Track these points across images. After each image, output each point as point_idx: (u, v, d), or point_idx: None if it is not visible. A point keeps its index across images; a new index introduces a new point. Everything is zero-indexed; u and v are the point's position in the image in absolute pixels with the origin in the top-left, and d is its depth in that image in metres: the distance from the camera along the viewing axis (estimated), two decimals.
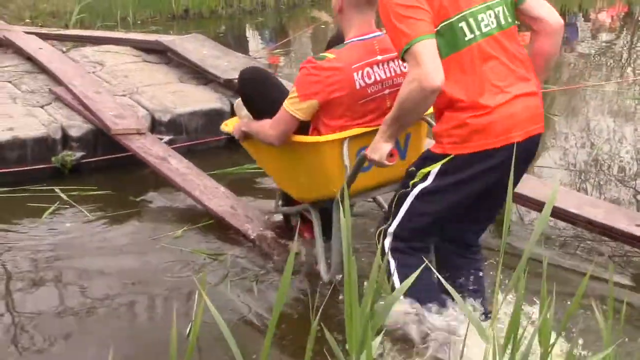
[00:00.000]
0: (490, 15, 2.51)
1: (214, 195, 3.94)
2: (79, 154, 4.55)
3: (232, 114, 5.08)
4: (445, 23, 2.44)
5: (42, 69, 5.62)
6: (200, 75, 5.63)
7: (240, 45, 8.47)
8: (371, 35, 2.86)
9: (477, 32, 2.48)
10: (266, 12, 10.22)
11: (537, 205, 3.65)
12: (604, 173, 4.83)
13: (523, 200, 3.73)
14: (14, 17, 8.31)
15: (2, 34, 6.63)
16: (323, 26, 9.88)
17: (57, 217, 3.96)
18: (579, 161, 5.01)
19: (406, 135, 3.02)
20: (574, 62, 8.30)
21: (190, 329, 2.77)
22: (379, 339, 2.04)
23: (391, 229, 2.70)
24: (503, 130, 2.49)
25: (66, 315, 3.06)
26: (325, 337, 2.01)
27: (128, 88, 5.32)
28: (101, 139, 4.63)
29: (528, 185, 3.81)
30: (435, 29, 2.42)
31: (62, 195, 4.16)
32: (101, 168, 4.61)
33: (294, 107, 2.82)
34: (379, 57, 2.84)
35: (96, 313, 3.06)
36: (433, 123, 3.00)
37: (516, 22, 2.61)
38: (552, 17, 2.60)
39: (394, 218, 2.70)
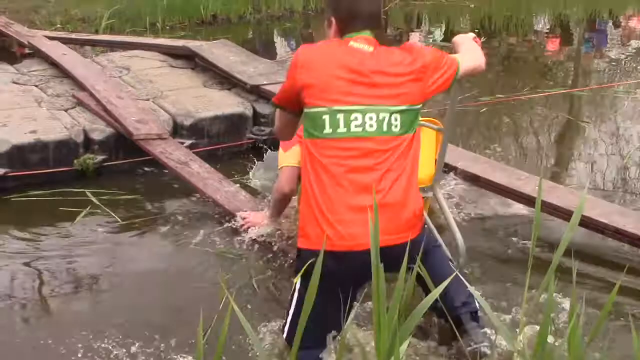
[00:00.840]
0: (370, 118, 2.45)
1: (235, 200, 3.95)
2: (100, 157, 4.55)
3: (254, 118, 5.11)
4: (311, 110, 2.48)
5: (67, 74, 5.64)
6: (224, 80, 5.61)
7: (267, 50, 8.47)
8: None
9: (343, 129, 2.44)
10: (294, 17, 10.21)
11: (565, 214, 3.58)
12: (634, 181, 4.74)
13: (551, 209, 3.67)
14: (45, 22, 8.40)
15: (26, 40, 6.69)
16: None
17: (87, 221, 3.99)
18: (608, 169, 4.92)
19: None
20: (603, 68, 8.20)
21: (210, 329, 2.76)
22: (405, 345, 2.01)
23: (284, 335, 2.59)
24: (341, 236, 2.40)
25: (97, 315, 3.13)
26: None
27: (152, 92, 5.32)
28: (123, 142, 4.62)
29: (556, 194, 3.76)
30: (305, 110, 2.51)
31: (94, 199, 4.18)
32: (122, 171, 4.60)
33: (285, 161, 3.49)
34: None
35: (127, 314, 3.11)
36: (434, 127, 3.32)
37: (412, 131, 2.52)
38: (481, 65, 2.74)
39: (285, 321, 2.61)
